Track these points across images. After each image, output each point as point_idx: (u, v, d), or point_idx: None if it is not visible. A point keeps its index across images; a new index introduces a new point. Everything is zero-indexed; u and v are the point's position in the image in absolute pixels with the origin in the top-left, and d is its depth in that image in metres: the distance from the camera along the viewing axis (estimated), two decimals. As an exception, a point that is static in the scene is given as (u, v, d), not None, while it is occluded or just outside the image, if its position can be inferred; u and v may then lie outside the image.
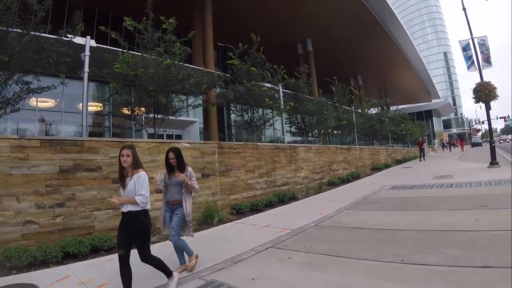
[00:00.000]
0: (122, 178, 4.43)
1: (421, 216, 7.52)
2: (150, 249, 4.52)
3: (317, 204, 10.97)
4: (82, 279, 5.23)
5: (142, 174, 4.34)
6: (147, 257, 4.36)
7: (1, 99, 8.33)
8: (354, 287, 4.15)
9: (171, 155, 5.30)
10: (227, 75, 14.87)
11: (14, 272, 5.72)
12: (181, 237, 5.41)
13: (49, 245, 6.25)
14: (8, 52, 7.78)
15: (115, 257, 6.31)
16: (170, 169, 5.41)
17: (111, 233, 7.13)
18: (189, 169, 5.44)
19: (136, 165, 4.41)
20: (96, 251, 6.71)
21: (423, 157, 30.03)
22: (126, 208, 4.28)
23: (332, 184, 16.08)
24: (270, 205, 11.04)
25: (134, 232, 4.26)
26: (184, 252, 5.47)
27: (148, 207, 4.38)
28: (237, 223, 8.90)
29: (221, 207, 9.74)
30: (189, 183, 5.26)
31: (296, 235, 7.07)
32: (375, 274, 4.47)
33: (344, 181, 17.03)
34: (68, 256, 6.33)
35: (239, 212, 10.00)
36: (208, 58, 21.81)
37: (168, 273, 4.57)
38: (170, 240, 5.30)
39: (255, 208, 10.40)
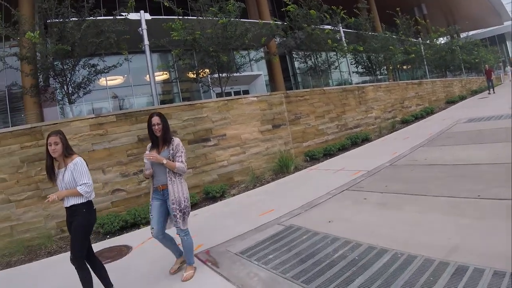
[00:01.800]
0: (50, 170, 3.67)
1: (499, 149, 7.03)
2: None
3: (391, 144, 10.73)
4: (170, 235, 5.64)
5: (78, 161, 3.62)
6: (77, 261, 3.54)
7: (72, 85, 8.99)
8: (430, 224, 4.11)
9: (156, 119, 4.01)
10: (285, 23, 14.55)
11: (108, 236, 6.34)
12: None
13: (137, 209, 6.83)
14: (70, 41, 8.31)
15: (199, 212, 6.87)
16: (154, 141, 4.13)
17: (193, 191, 7.65)
18: (176, 140, 4.10)
19: (68, 152, 3.67)
20: (180, 210, 7.14)
21: (492, 89, 24.01)
22: (68, 203, 3.58)
23: (405, 122, 15.49)
24: (343, 148, 10.98)
25: (73, 228, 3.56)
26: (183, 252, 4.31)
27: (93, 196, 3.69)
28: (312, 169, 8.98)
29: (294, 155, 9.84)
30: (164, 163, 3.86)
31: (371, 176, 7.02)
32: (452, 210, 4.38)
33: (417, 117, 16.34)
34: None
35: (312, 158, 10.04)
36: (263, 9, 21.20)
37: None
38: (177, 234, 4.10)
39: (328, 153, 10.38)
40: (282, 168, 9.01)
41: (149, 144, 4.22)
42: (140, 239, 5.70)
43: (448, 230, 3.84)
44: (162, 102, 13.76)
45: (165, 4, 10.29)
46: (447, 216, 4.24)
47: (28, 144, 6.74)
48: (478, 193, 4.73)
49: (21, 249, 6.03)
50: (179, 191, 3.97)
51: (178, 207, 3.93)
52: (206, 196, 7.69)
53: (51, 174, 3.67)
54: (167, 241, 4.21)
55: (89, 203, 3.65)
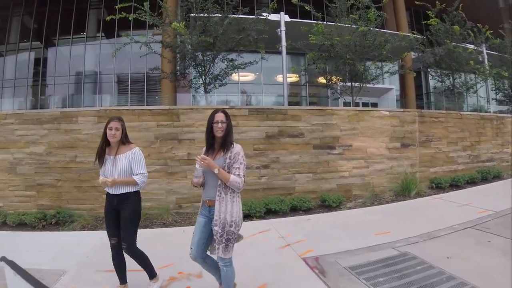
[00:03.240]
0: (102, 153, 3.64)
1: None
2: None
3: (526, 187, 9.52)
4: (281, 234, 5.68)
5: (137, 151, 3.67)
6: (132, 248, 3.58)
7: (210, 75, 9.52)
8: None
9: (221, 116, 3.22)
10: (424, 37, 13.79)
11: None
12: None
13: (254, 201, 7.01)
14: (213, 35, 8.87)
15: (312, 217, 6.77)
16: (210, 143, 3.33)
17: (309, 195, 7.61)
18: (237, 148, 3.25)
19: (126, 140, 3.69)
20: (295, 210, 7.22)
21: None
22: (118, 190, 3.58)
23: (545, 166, 13.65)
24: (471, 182, 9.99)
25: (127, 216, 3.56)
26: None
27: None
28: (435, 198, 8.36)
29: (419, 179, 9.20)
30: (216, 172, 3.07)
31: (499, 218, 6.34)
32: None
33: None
34: (270, 212, 7.00)
35: (437, 186, 9.30)
36: (401, 20, 20.36)
37: (152, 274, 3.76)
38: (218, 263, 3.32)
39: (455, 184, 9.56)
40: (404, 191, 8.48)
41: (204, 148, 3.44)
42: (251, 231, 5.81)
43: None
44: (289, 103, 14.03)
45: (306, 8, 10.39)
46: None
47: (164, 123, 7.38)
48: None
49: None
50: (227, 211, 3.16)
51: (220, 231, 3.13)
52: (322, 203, 7.59)
53: (101, 157, 3.62)
54: (209, 266, 3.44)
55: (138, 191, 3.67)
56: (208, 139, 3.31)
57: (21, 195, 7.31)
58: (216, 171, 3.03)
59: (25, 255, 4.81)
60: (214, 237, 3.16)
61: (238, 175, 3.11)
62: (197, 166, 3.14)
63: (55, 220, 6.64)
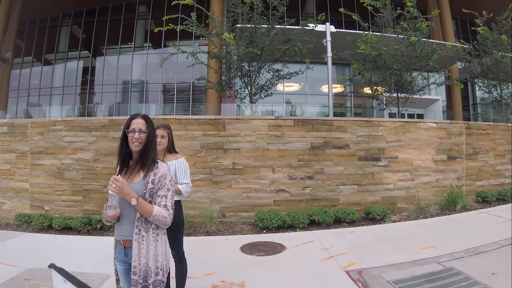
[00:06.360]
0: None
1: None
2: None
3: None
4: (325, 245, 5.69)
5: (183, 160, 3.66)
6: (180, 251, 3.60)
7: (256, 86, 9.69)
8: None
9: (138, 123, 2.37)
10: (471, 46, 13.54)
11: (264, 231, 6.75)
12: None
13: (297, 212, 7.06)
14: (259, 46, 9.03)
15: (356, 230, 6.73)
16: (123, 159, 2.43)
17: (354, 207, 7.57)
18: (162, 168, 2.40)
19: (173, 149, 3.70)
20: (339, 222, 7.19)
21: None
22: None
23: None
24: (519, 196, 9.65)
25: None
26: None
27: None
28: (482, 213, 8.13)
29: (465, 193, 8.99)
30: (133, 203, 2.19)
31: (547, 233, 6.14)
32: None
33: None
34: (313, 224, 7.03)
35: (484, 200, 9.04)
36: (447, 30, 20.00)
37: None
38: None
39: (502, 198, 9.22)
40: (450, 204, 8.30)
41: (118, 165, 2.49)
42: (294, 241, 5.92)
43: None
44: (334, 114, 14.13)
45: (353, 17, 10.42)
46: None
47: (210, 133, 7.55)
48: None
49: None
50: (149, 254, 2.27)
51: (142, 281, 2.23)
52: (366, 216, 7.53)
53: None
54: None
55: (179, 201, 3.64)
56: (123, 154, 2.41)
57: (67, 199, 7.59)
58: (133, 201, 2.17)
59: (70, 258, 5.08)
60: None
61: (165, 206, 2.29)
62: (110, 191, 2.19)
63: (100, 225, 6.88)
